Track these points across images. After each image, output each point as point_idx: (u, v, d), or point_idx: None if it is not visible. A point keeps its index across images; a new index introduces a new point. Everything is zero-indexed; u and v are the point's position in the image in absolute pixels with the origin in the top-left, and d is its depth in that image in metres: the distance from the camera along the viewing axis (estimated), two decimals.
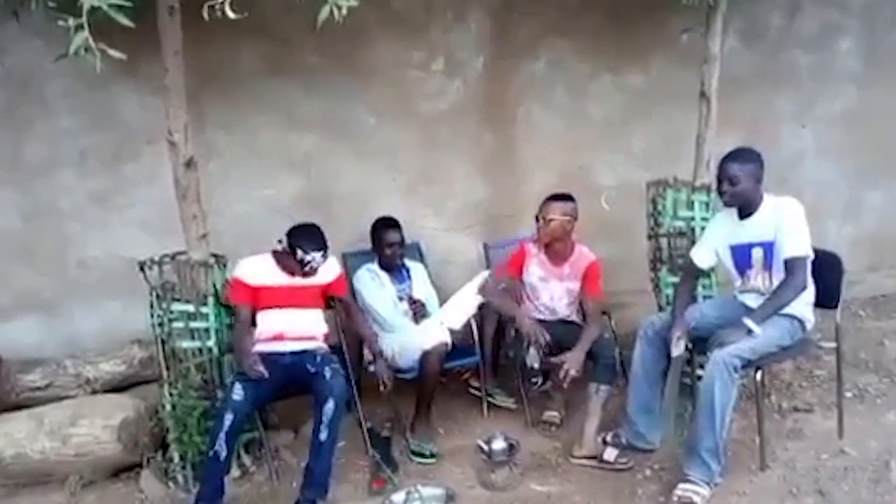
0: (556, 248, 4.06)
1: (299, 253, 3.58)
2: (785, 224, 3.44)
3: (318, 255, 3.63)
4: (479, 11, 4.55)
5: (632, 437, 3.73)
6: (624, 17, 4.56)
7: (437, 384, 3.98)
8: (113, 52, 2.57)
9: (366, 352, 4.02)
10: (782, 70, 5.09)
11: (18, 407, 3.83)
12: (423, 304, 4.17)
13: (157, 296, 3.67)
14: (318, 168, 4.47)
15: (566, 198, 4.02)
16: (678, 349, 3.48)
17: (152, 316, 3.67)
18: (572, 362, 3.77)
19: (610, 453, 3.66)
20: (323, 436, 3.38)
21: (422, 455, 3.81)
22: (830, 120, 5.23)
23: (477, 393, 4.25)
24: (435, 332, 3.91)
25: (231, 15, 2.69)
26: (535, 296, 4.14)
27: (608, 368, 3.81)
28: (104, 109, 4.15)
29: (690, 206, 4.15)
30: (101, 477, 3.71)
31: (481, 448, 3.58)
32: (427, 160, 4.64)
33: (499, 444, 3.56)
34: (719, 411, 3.33)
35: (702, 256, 3.75)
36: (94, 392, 3.95)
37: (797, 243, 3.42)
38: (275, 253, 3.75)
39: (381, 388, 3.80)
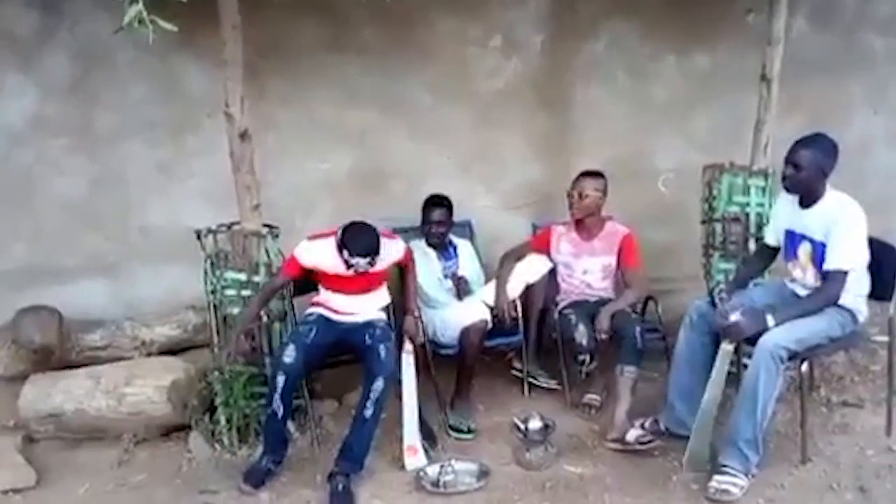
0: (587, 223, 4.12)
1: (345, 254, 3.49)
2: (837, 230, 3.32)
3: (362, 261, 3.48)
4: None
5: (672, 424, 3.70)
6: None
7: (477, 361, 4.01)
8: (165, 24, 2.68)
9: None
10: (855, 54, 4.91)
11: (79, 365, 4.01)
12: (466, 281, 4.21)
13: (212, 263, 3.80)
14: (372, 144, 4.52)
15: (597, 174, 4.09)
16: (725, 319, 3.36)
17: (206, 283, 3.80)
18: (599, 325, 3.83)
19: (632, 434, 3.63)
20: (368, 412, 3.44)
21: (459, 430, 3.86)
22: None
23: (519, 373, 4.27)
24: (475, 309, 3.95)
25: None
26: (570, 273, 4.19)
27: (632, 349, 3.77)
28: (169, 81, 4.28)
29: (746, 191, 4.08)
30: (153, 435, 3.87)
31: (517, 426, 3.61)
32: (481, 139, 4.64)
33: (535, 424, 3.59)
34: (761, 402, 3.28)
35: (769, 233, 3.71)
36: (150, 354, 4.11)
37: (842, 255, 3.31)
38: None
39: (409, 343, 3.77)
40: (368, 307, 3.76)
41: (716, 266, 4.18)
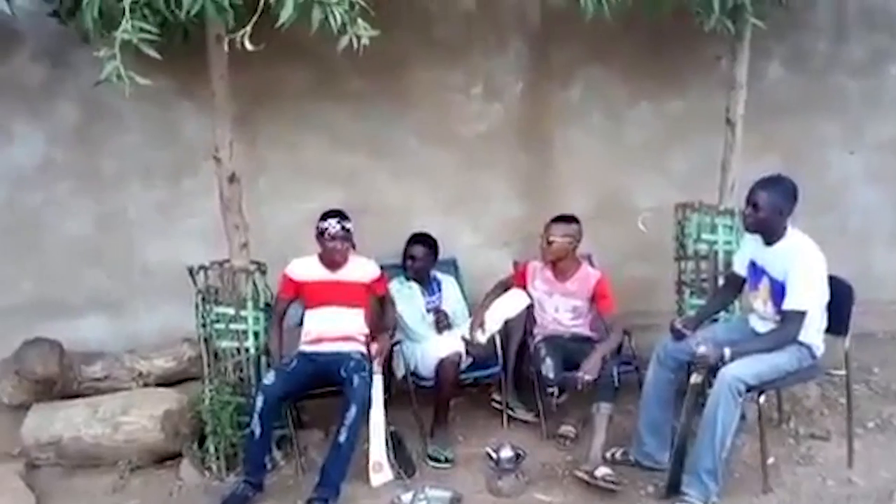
0: (560, 266, 4.25)
1: (319, 225, 3.99)
2: (795, 271, 3.46)
3: (333, 222, 3.98)
4: (519, 38, 4.77)
5: (640, 456, 3.85)
6: (661, 44, 4.65)
7: (454, 393, 4.21)
8: (140, 80, 2.91)
9: (394, 359, 4.30)
10: (829, 95, 5.08)
11: (80, 395, 4.23)
12: (446, 315, 4.41)
13: (203, 299, 4.03)
14: (360, 185, 4.76)
15: (569, 219, 4.22)
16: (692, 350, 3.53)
17: (197, 317, 4.04)
18: (588, 366, 3.88)
19: (601, 471, 3.73)
20: (342, 438, 3.65)
21: (437, 460, 4.02)
22: (880, 146, 5.17)
23: (498, 405, 4.43)
24: (451, 343, 4.15)
25: (249, 47, 2.99)
26: (543, 309, 4.33)
27: (608, 387, 3.90)
28: (168, 127, 4.56)
29: (714, 229, 4.24)
30: (146, 463, 4.06)
31: (490, 455, 3.77)
32: (465, 180, 4.87)
33: (506, 453, 3.74)
34: (720, 433, 3.42)
35: (737, 262, 3.88)
36: (147, 385, 4.34)
37: (800, 296, 3.45)
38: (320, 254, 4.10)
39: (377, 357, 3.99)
40: (347, 326, 4.00)
41: (688, 302, 4.33)
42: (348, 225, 4.01)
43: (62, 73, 4.35)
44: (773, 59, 4.95)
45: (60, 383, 4.20)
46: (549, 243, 4.19)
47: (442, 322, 4.36)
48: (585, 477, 3.74)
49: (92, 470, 4.04)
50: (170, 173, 4.59)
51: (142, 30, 2.90)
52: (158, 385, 4.36)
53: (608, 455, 3.88)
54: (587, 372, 3.88)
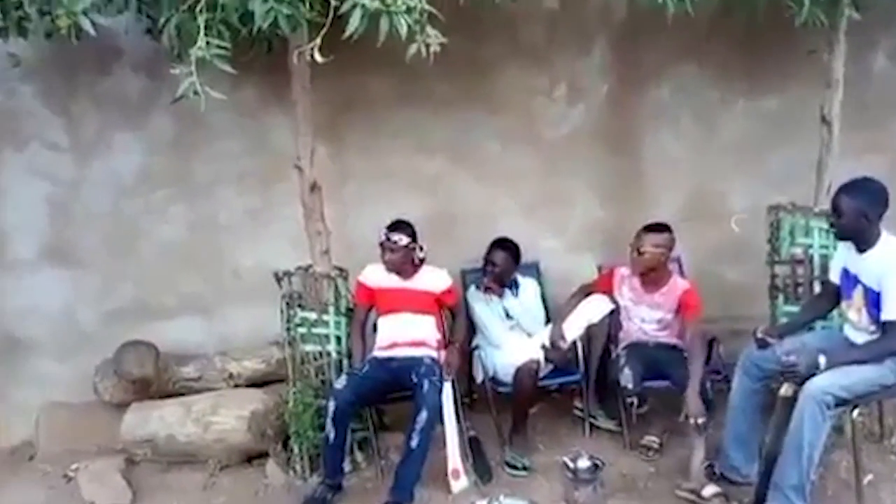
0: (649, 276, 4.11)
1: (381, 235, 4.08)
2: (889, 280, 3.26)
3: (392, 235, 4.08)
4: (604, 38, 4.66)
5: (726, 470, 3.72)
6: (755, 41, 4.46)
7: (532, 400, 4.18)
8: (215, 94, 3.01)
9: (474, 364, 4.31)
10: None
11: (175, 395, 4.43)
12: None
13: (287, 303, 4.15)
14: (443, 190, 4.77)
15: (661, 229, 4.06)
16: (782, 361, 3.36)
17: (282, 321, 4.16)
18: (692, 408, 3.70)
19: (708, 490, 3.62)
20: (413, 442, 3.69)
21: (514, 467, 4.01)
22: None
23: (580, 413, 4.37)
24: (528, 349, 4.12)
25: (319, 59, 3.05)
26: (628, 316, 4.22)
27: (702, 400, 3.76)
28: (258, 136, 4.67)
29: (809, 232, 4.04)
30: (235, 461, 4.22)
31: (567, 465, 3.71)
32: (548, 183, 4.80)
33: (584, 463, 3.68)
34: (807, 448, 3.26)
35: (832, 271, 3.68)
36: (237, 386, 4.49)
37: None
38: None
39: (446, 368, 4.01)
40: (419, 332, 4.07)
41: (780, 308, 4.15)
42: (395, 237, 4.06)
43: (158, 85, 4.50)
44: (878, 52, 4.67)
45: (156, 384, 4.40)
46: (640, 253, 4.06)
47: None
48: (692, 497, 3.63)
49: (185, 467, 4.23)
50: (259, 180, 4.71)
51: (217, 46, 3.01)
52: (248, 386, 4.50)
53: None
54: (695, 415, 3.69)
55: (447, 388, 3.90)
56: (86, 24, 3.12)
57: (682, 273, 4.42)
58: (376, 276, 4.19)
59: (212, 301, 4.76)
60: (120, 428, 4.27)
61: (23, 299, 4.55)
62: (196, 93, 2.93)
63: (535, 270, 4.70)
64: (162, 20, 3.19)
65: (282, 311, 4.15)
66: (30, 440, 4.50)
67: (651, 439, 4.10)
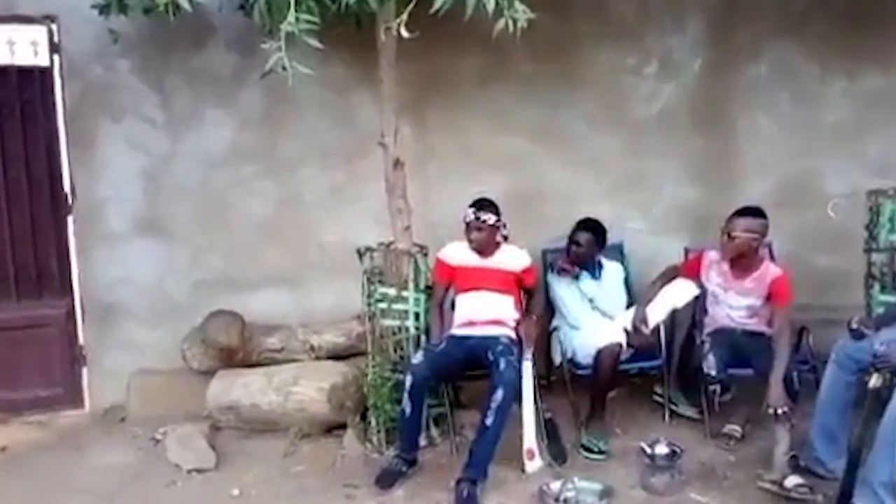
0: (739, 262, 3.97)
1: (468, 214, 4.09)
2: None
3: (470, 211, 4.09)
4: (697, 14, 4.53)
5: (811, 462, 3.59)
6: (857, 17, 4.25)
7: (611, 383, 4.10)
8: (302, 69, 3.04)
9: (552, 345, 4.27)
10: None
11: (258, 364, 4.54)
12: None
13: (368, 279, 4.21)
14: (526, 169, 4.74)
15: (754, 213, 3.91)
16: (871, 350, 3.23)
17: (363, 296, 4.21)
18: (774, 398, 3.58)
19: (791, 480, 3.50)
20: (489, 421, 3.67)
21: (591, 451, 3.96)
22: None
23: (660, 399, 4.29)
24: (611, 332, 4.04)
25: (405, 34, 3.05)
26: (716, 301, 4.09)
27: (787, 390, 3.63)
28: (345, 113, 4.73)
29: None
30: (314, 431, 4.30)
31: (644, 451, 3.65)
32: (635, 164, 4.72)
33: (661, 449, 3.61)
34: None
35: None
36: (318, 358, 4.56)
37: None
38: None
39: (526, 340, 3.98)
40: (497, 311, 4.04)
41: (876, 298, 3.97)
42: (484, 216, 4.04)
43: (249, 62, 4.60)
44: None
45: (241, 353, 4.51)
46: (731, 238, 3.90)
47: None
48: (774, 488, 3.52)
49: (266, 434, 4.33)
50: (344, 157, 4.77)
51: (307, 21, 3.04)
52: (329, 358, 4.57)
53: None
54: (776, 405, 3.57)
55: (527, 364, 3.86)
56: (183, 2, 3.20)
57: (773, 259, 4.26)
58: (457, 253, 4.20)
59: (296, 274, 4.84)
60: (206, 395, 4.41)
61: (117, 269, 4.72)
62: (284, 68, 2.97)
63: (619, 252, 4.62)
64: None
65: (363, 287, 4.21)
66: (121, 403, 4.68)
67: (733, 428, 3.99)
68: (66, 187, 4.60)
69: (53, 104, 4.52)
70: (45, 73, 4.49)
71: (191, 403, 4.50)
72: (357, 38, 4.11)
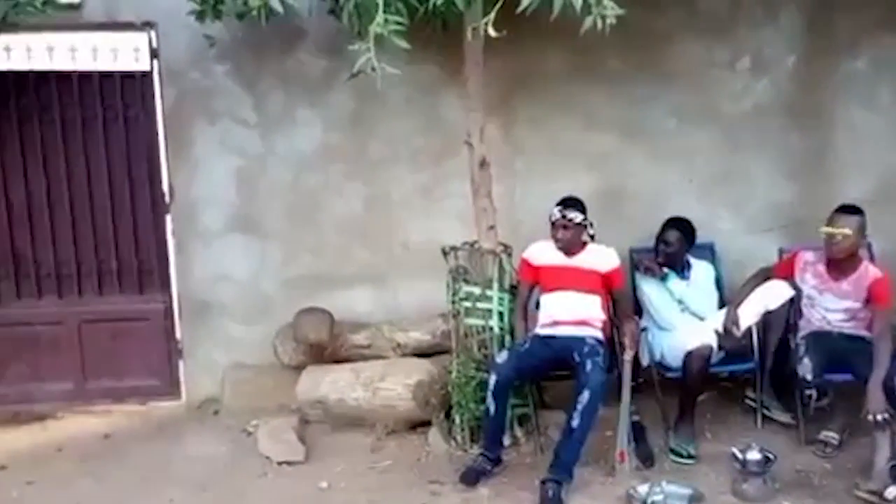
0: (838, 263, 3.83)
1: (554, 212, 4.04)
2: None
3: (556, 210, 4.04)
4: (792, 6, 4.39)
5: None
6: None
7: (701, 386, 4.02)
8: (391, 69, 3.08)
9: (640, 347, 4.19)
10: None
11: (346, 360, 4.62)
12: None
13: (453, 277, 4.24)
14: (614, 167, 4.68)
15: (851, 211, 3.76)
16: None
17: (448, 294, 4.25)
18: (873, 404, 3.45)
19: (891, 491, 3.36)
20: (574, 423, 3.64)
21: (679, 454, 3.89)
22: None
23: (752, 403, 4.18)
24: (701, 334, 3.95)
25: (493, 34, 3.05)
26: (812, 304, 3.95)
27: (889, 394, 3.46)
28: (432, 113, 4.76)
29: None
30: (400, 427, 4.36)
31: (735, 457, 3.55)
32: (727, 161, 4.60)
33: (753, 455, 3.51)
34: None
35: None
36: (404, 355, 4.61)
37: None
38: None
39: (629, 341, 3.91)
40: (583, 311, 3.99)
41: None
42: (570, 215, 3.99)
43: (338, 64, 4.65)
44: None
45: (330, 349, 4.61)
46: (831, 236, 3.77)
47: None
48: (873, 499, 3.40)
49: (353, 429, 4.41)
50: (432, 157, 4.80)
51: (395, 23, 3.08)
52: (414, 356, 4.61)
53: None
54: (875, 411, 3.44)
55: (626, 366, 3.82)
56: (275, 5, 3.29)
57: (872, 259, 4.09)
58: (542, 253, 4.16)
59: (382, 273, 4.90)
60: (295, 389, 4.52)
61: (212, 266, 4.87)
62: (373, 69, 3.01)
63: (709, 252, 4.52)
64: None
65: (448, 285, 4.25)
66: (215, 396, 4.84)
67: (829, 435, 3.85)
68: (165, 187, 4.79)
69: (153, 108, 4.73)
70: (146, 77, 4.70)
71: (281, 397, 4.64)
72: (443, 38, 4.14)
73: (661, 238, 4.27)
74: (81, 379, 4.93)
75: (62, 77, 4.70)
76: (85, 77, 4.71)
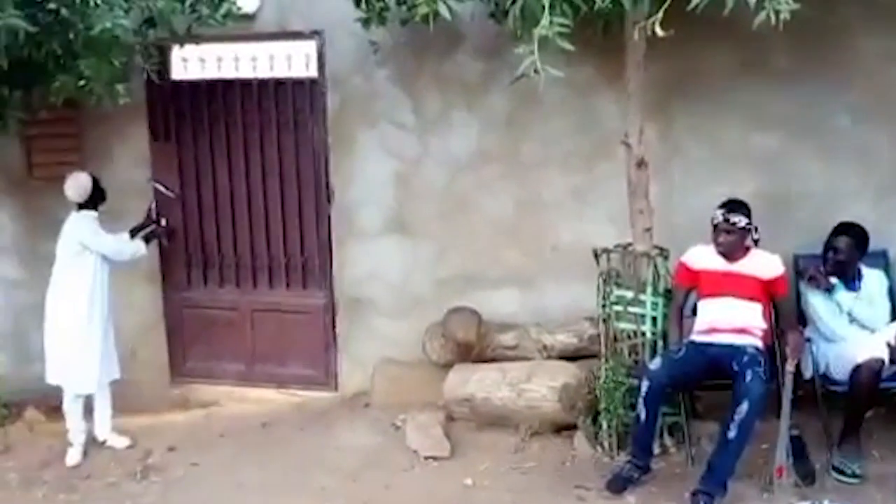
0: None
1: (717, 215, 3.89)
2: None
3: (719, 212, 3.88)
4: None
5: None
6: None
7: (870, 402, 3.75)
8: (554, 72, 3.07)
9: (802, 358, 3.95)
10: None
11: (492, 360, 4.64)
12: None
13: (604, 280, 4.18)
14: (779, 169, 4.43)
15: None
16: None
17: (599, 298, 4.19)
18: None
19: None
20: (731, 434, 3.50)
21: (843, 473, 3.65)
22: None
23: None
24: (872, 347, 3.68)
25: (660, 33, 2.98)
26: None
27: None
28: (588, 115, 4.70)
29: None
30: (545, 429, 4.34)
31: None
32: None
33: None
34: None
35: None
36: (549, 357, 4.58)
37: None
38: None
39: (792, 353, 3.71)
40: (743, 318, 3.82)
41: None
42: (734, 218, 3.83)
43: (497, 67, 4.71)
44: None
45: (477, 348, 4.65)
46: None
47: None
48: None
49: (498, 428, 4.42)
50: (585, 159, 4.75)
51: (560, 24, 3.08)
52: (560, 358, 4.57)
53: None
54: None
55: (789, 378, 3.63)
56: (443, 10, 3.38)
57: None
58: (701, 257, 4.01)
59: (531, 274, 4.88)
60: (442, 386, 4.58)
61: (367, 265, 5.04)
62: (536, 71, 3.02)
63: (883, 259, 4.21)
64: (509, 1, 3.31)
65: (598, 288, 4.19)
66: (366, 390, 5.00)
67: None
68: (328, 189, 5.02)
69: (320, 113, 4.97)
70: (314, 84, 4.95)
71: (428, 393, 4.71)
72: (601, 39, 4.09)
73: (830, 245, 4.01)
74: (251, 362, 5.33)
75: (244, 84, 5.07)
76: (263, 84, 5.05)
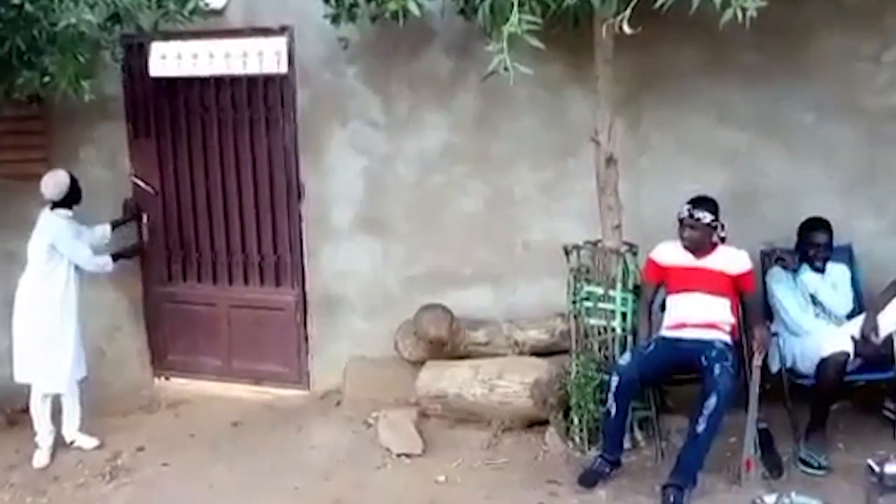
0: None
1: (683, 211, 3.95)
2: None
3: (686, 208, 3.94)
4: None
5: None
6: None
7: (835, 395, 3.82)
8: (523, 69, 3.08)
9: (769, 352, 4.00)
10: None
11: (465, 357, 4.64)
12: None
13: (574, 277, 4.21)
14: (746, 165, 4.48)
15: None
16: None
17: (569, 294, 4.21)
18: None
19: None
20: (700, 428, 3.54)
21: (810, 465, 3.71)
22: None
23: (891, 415, 3.93)
24: (837, 340, 3.75)
25: (627, 30, 3.01)
26: None
27: None
28: (557, 112, 4.71)
29: None
30: (516, 425, 4.35)
31: (871, 469, 3.31)
32: (869, 158, 4.32)
33: (892, 468, 3.24)
34: None
35: None
36: (521, 353, 4.59)
37: None
38: None
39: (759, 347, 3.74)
40: (711, 313, 3.86)
41: None
42: (698, 214, 3.88)
43: (466, 64, 4.71)
44: None
45: (449, 345, 4.64)
46: None
47: None
48: None
49: (471, 425, 4.44)
50: (554, 155, 4.76)
51: (529, 22, 3.09)
52: (532, 354, 4.59)
53: None
54: None
55: (756, 372, 3.68)
56: (413, 7, 3.37)
57: None
58: (669, 253, 4.05)
59: (502, 271, 4.90)
60: (415, 383, 4.59)
61: (338, 262, 5.03)
62: (506, 68, 3.03)
63: (846, 254, 4.26)
64: None
65: (568, 285, 4.22)
66: (338, 388, 4.99)
67: None
68: (298, 186, 5.01)
69: (290, 109, 4.95)
70: (284, 80, 4.92)
71: (401, 391, 4.73)
72: (570, 36, 4.11)
73: (811, 241, 4.09)
74: (228, 358, 5.34)
75: (219, 81, 5.05)
76: (236, 81, 5.03)
